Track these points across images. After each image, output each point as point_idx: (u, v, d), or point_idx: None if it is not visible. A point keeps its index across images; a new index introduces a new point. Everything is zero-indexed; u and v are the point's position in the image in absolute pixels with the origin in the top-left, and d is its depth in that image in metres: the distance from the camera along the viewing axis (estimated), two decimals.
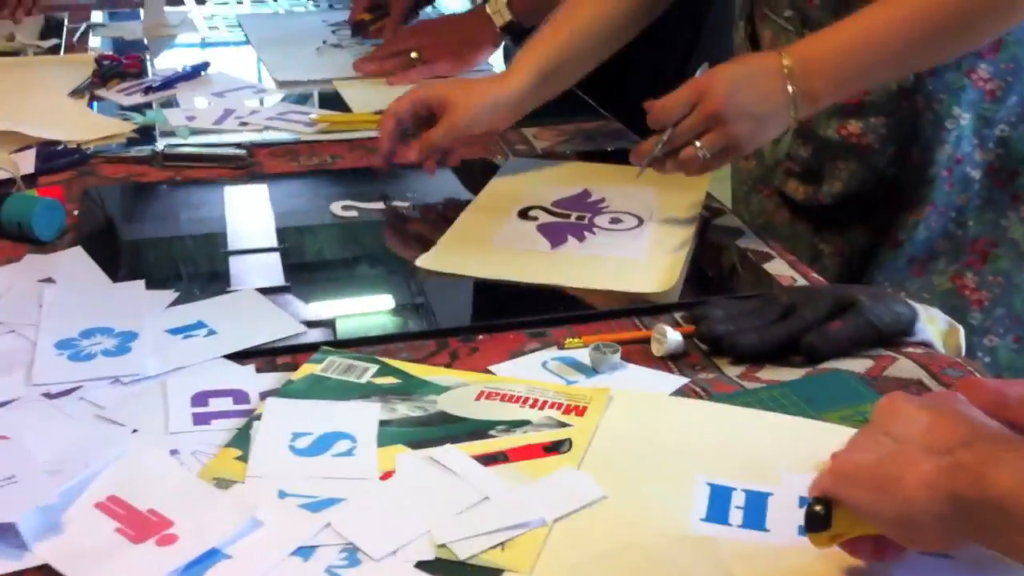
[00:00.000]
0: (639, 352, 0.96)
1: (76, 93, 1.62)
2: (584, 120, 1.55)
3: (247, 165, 1.37)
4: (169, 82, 1.66)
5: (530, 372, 0.92)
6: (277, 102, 1.61)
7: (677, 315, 1.02)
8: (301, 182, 1.35)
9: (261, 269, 1.10)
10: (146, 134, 1.48)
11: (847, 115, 1.22)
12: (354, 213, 1.24)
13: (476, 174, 1.34)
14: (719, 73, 1.09)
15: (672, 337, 0.95)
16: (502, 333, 0.99)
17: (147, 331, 0.95)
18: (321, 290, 1.11)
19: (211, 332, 0.96)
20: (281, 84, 1.68)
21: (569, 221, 1.21)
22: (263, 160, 1.40)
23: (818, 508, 0.66)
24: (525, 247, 1.15)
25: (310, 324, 0.99)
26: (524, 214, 1.21)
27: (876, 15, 1.07)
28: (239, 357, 0.94)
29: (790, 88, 1.07)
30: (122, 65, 1.71)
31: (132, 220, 1.27)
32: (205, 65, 1.73)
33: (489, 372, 0.92)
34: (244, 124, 1.51)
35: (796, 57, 1.07)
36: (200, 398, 0.85)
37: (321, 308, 1.05)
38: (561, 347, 0.96)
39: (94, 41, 1.95)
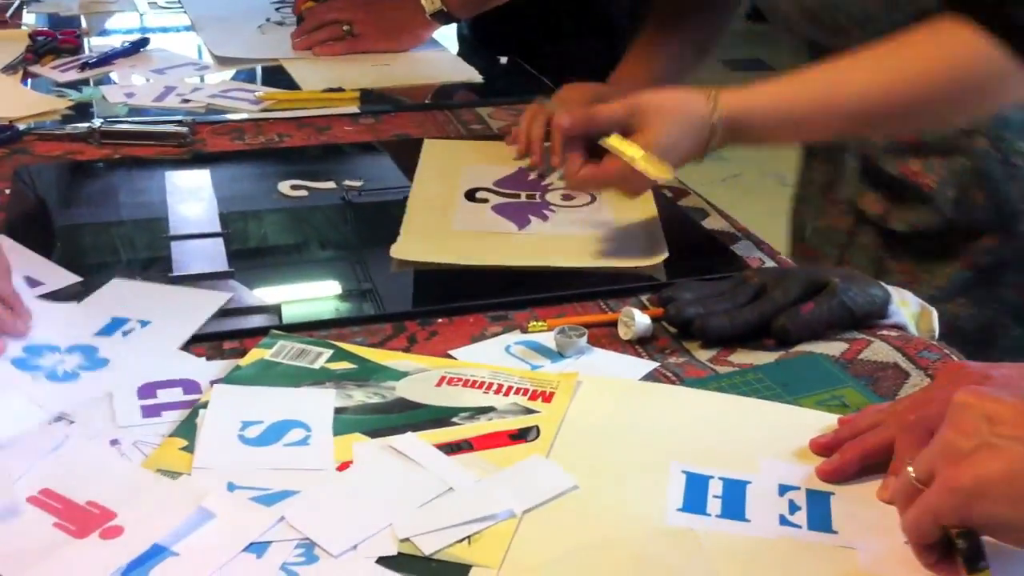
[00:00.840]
0: (606, 336, 0.92)
1: (8, 69, 1.54)
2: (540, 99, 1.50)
3: (189, 143, 1.31)
4: (106, 58, 1.59)
5: (493, 357, 0.88)
6: (221, 80, 1.55)
7: (643, 298, 0.98)
8: (246, 161, 1.29)
9: (205, 254, 1.05)
10: (83, 112, 1.41)
11: (906, 153, 1.14)
12: (303, 193, 1.18)
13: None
14: (652, 106, 1.03)
15: (640, 320, 0.91)
16: (462, 316, 0.95)
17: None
18: (268, 276, 1.06)
19: (144, 323, 0.91)
20: (221, 61, 1.61)
21: (521, 201, 1.16)
22: (206, 138, 1.34)
23: (963, 544, 0.60)
24: (489, 229, 1.10)
25: (255, 310, 0.95)
26: (471, 196, 1.17)
27: (835, 73, 1.02)
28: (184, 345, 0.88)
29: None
30: (57, 41, 1.64)
31: (68, 202, 1.21)
32: (144, 41, 1.66)
33: (450, 357, 0.88)
34: (186, 102, 1.45)
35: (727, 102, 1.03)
36: (147, 390, 0.80)
37: (267, 293, 1.00)
38: (524, 331, 0.92)
39: (28, 17, 1.87)
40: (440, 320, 0.94)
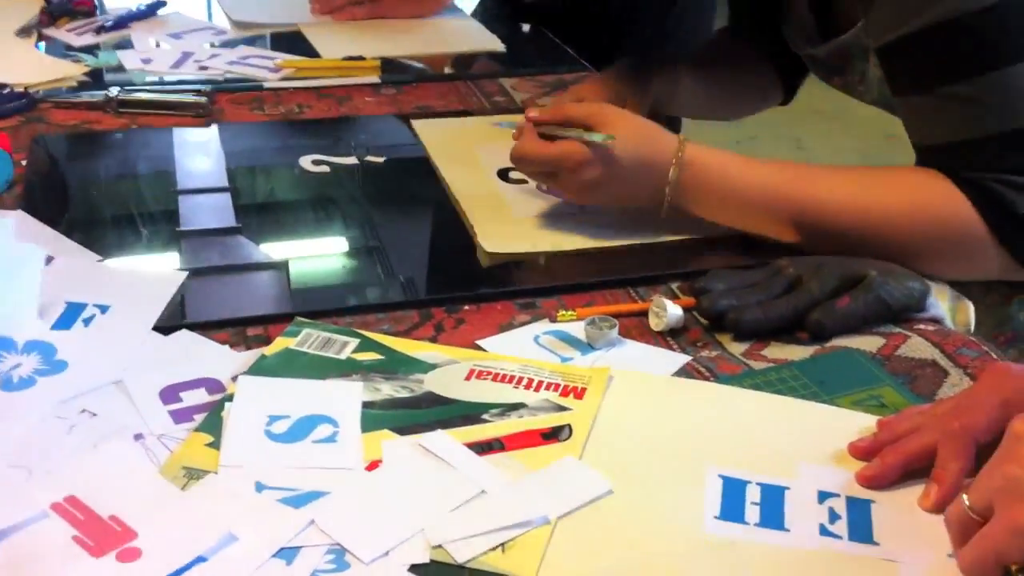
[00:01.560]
0: (636, 326, 0.90)
1: (22, 32, 1.52)
2: (564, 71, 1.47)
3: (207, 113, 1.28)
4: (122, 21, 1.56)
5: (522, 348, 0.86)
6: (239, 45, 1.52)
7: (673, 285, 0.96)
8: (266, 134, 1.27)
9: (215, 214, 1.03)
10: (98, 77, 1.39)
11: None
12: (325, 168, 1.16)
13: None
14: (618, 115, 1.00)
15: (672, 311, 0.89)
16: (489, 304, 0.93)
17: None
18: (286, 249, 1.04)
19: (104, 308, 0.88)
20: (239, 25, 1.58)
21: None
22: (225, 107, 1.32)
23: None
24: (552, 211, 1.06)
25: (263, 267, 0.95)
26: (505, 176, 1.14)
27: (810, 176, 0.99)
28: (204, 330, 0.87)
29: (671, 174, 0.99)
30: (72, 3, 1.61)
31: (84, 172, 1.18)
32: (161, 3, 1.63)
33: (478, 348, 0.86)
34: (203, 68, 1.42)
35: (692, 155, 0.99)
36: (170, 394, 0.78)
37: (274, 249, 0.98)
38: (553, 320, 0.90)
39: None
40: (467, 307, 0.92)
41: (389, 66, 1.45)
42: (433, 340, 0.87)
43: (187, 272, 0.93)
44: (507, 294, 0.94)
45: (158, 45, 1.50)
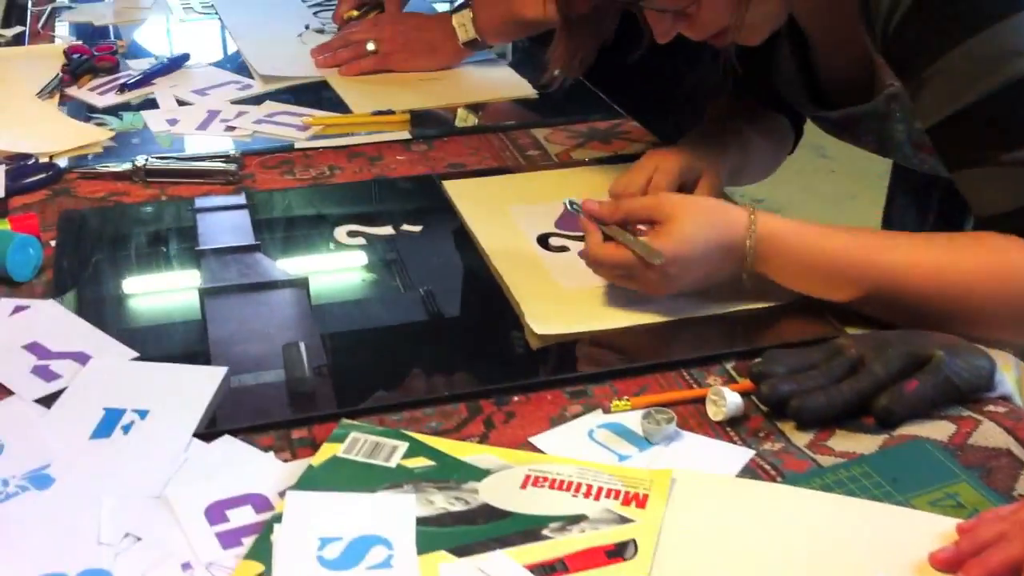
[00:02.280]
0: (694, 415, 0.86)
1: (45, 93, 1.49)
2: (598, 119, 1.44)
3: (237, 180, 1.25)
4: (146, 78, 1.53)
5: (577, 445, 0.83)
6: (265, 100, 1.49)
7: (728, 365, 0.93)
8: (299, 204, 1.23)
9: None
10: (123, 142, 1.36)
11: None
12: (360, 241, 1.13)
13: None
14: (681, 203, 0.97)
15: (732, 400, 0.85)
16: (539, 393, 0.89)
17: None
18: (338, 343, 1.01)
19: (143, 413, 0.85)
20: (265, 79, 1.55)
21: None
22: (255, 171, 1.29)
23: None
24: (601, 282, 1.02)
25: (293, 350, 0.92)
26: (545, 243, 1.11)
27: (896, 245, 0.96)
28: (247, 433, 0.84)
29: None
30: (94, 58, 1.58)
31: (115, 250, 1.16)
32: (185, 57, 1.61)
33: (531, 445, 0.83)
34: (231, 128, 1.39)
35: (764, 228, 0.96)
36: (216, 512, 0.75)
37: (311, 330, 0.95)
38: (607, 411, 0.87)
39: (60, 28, 1.81)
40: (517, 399, 0.89)
41: (419, 119, 1.42)
42: (484, 439, 0.84)
43: (226, 369, 0.90)
44: (557, 382, 0.90)
45: (181, 104, 1.47)
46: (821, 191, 3.16)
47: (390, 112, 1.42)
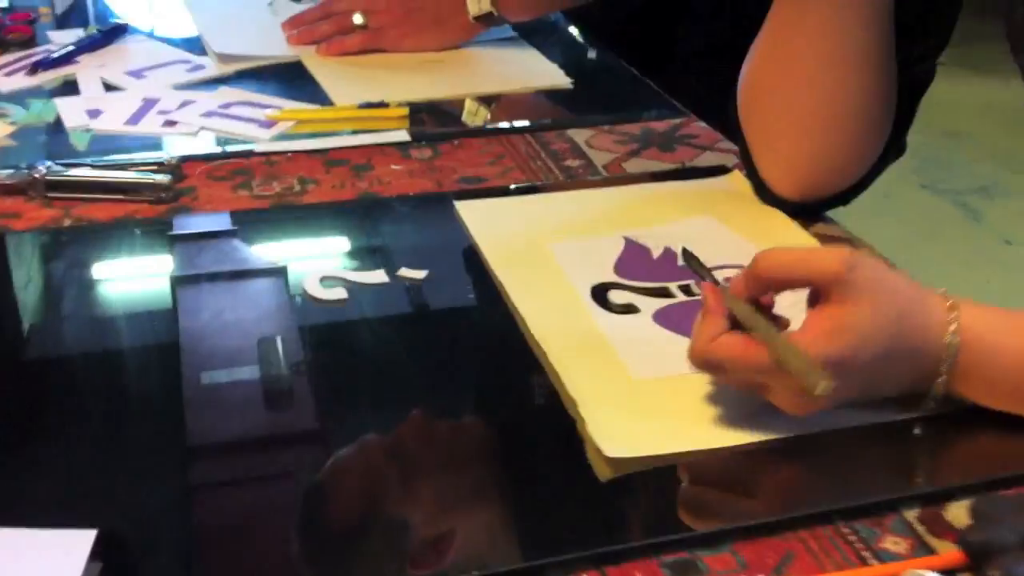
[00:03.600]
0: None
1: None
2: (651, 117, 1.10)
3: (171, 198, 0.92)
4: (68, 56, 1.19)
5: None
6: (219, 87, 1.15)
7: (909, 514, 0.60)
8: (251, 236, 0.88)
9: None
10: (26, 139, 1.03)
11: None
12: (341, 293, 0.79)
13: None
14: (867, 298, 0.62)
15: None
16: (619, 567, 0.56)
17: None
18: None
19: None
20: (222, 59, 1.21)
21: (683, 300, 0.78)
22: (198, 185, 0.95)
23: None
24: (677, 362, 0.67)
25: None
26: (603, 300, 0.78)
27: None
28: None
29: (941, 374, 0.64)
30: (3, 30, 1.24)
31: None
32: (120, 30, 1.27)
33: None
34: (171, 123, 1.05)
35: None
36: None
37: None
38: None
39: None
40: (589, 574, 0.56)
41: (419, 113, 1.08)
42: None
43: (95, 532, 0.56)
44: (649, 549, 0.57)
45: (110, 89, 1.13)
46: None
47: (383, 105, 1.08)
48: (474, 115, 1.12)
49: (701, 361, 0.64)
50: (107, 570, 0.54)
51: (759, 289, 0.64)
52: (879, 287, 0.62)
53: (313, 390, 0.69)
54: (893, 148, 0.91)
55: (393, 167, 0.99)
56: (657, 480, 0.63)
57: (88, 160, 0.97)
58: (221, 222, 0.88)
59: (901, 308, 0.62)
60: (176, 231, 0.87)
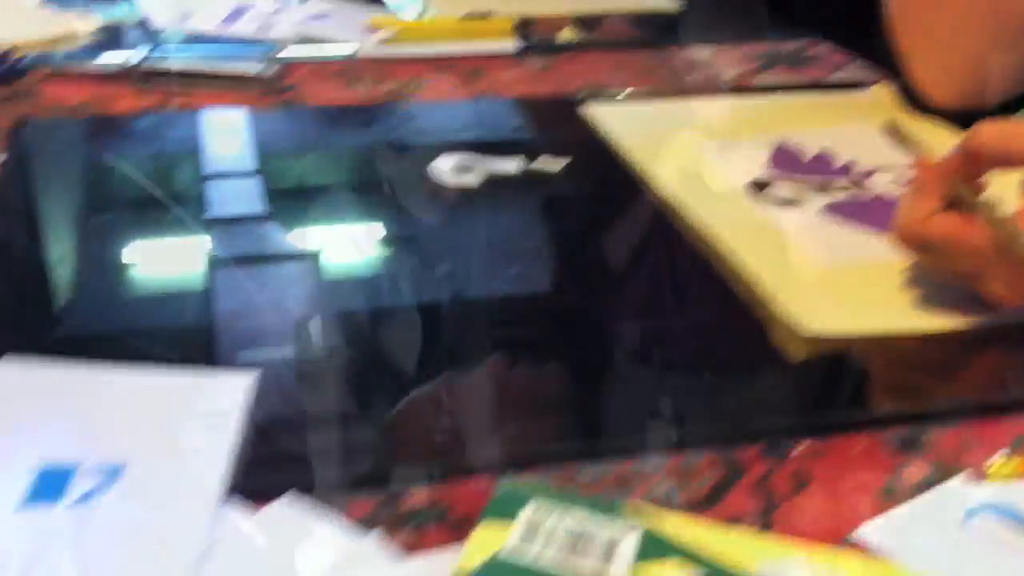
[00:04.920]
0: None
1: None
2: (779, 38, 1.04)
3: (276, 90, 0.86)
4: None
5: (937, 539, 0.43)
6: None
7: None
8: (365, 123, 0.83)
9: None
10: (116, 39, 0.97)
11: None
12: (470, 179, 0.73)
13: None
14: None
15: None
16: (837, 439, 0.50)
17: None
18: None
19: (112, 472, 0.44)
20: None
21: (861, 193, 0.71)
22: (301, 83, 0.89)
23: None
24: (874, 254, 0.63)
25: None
26: (761, 192, 0.71)
27: None
28: (325, 495, 0.44)
29: None
30: None
31: (94, 186, 0.76)
32: None
33: (846, 543, 0.43)
34: (265, 28, 0.99)
35: None
36: None
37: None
38: (983, 476, 0.47)
39: None
40: (800, 447, 0.49)
41: (526, 29, 1.02)
42: (765, 523, 0.44)
43: (255, 374, 0.50)
44: (874, 423, 0.51)
45: None
46: None
47: (486, 15, 1.02)
48: (579, 33, 1.06)
49: (913, 239, 0.57)
50: None
51: (974, 166, 0.57)
52: None
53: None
54: None
55: (508, 73, 0.93)
56: (853, 361, 0.56)
57: (182, 54, 0.91)
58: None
59: None
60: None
